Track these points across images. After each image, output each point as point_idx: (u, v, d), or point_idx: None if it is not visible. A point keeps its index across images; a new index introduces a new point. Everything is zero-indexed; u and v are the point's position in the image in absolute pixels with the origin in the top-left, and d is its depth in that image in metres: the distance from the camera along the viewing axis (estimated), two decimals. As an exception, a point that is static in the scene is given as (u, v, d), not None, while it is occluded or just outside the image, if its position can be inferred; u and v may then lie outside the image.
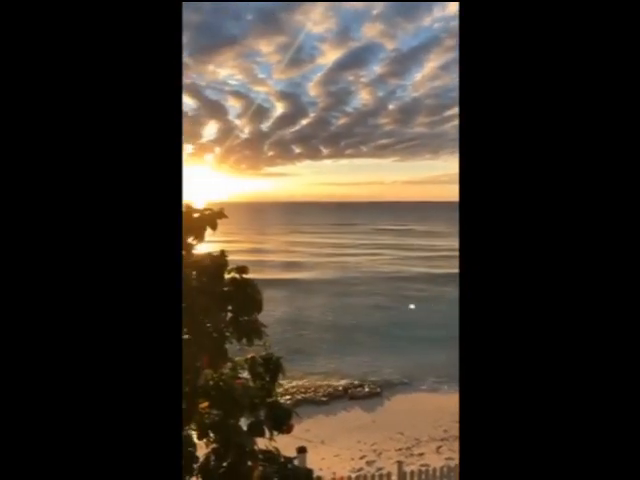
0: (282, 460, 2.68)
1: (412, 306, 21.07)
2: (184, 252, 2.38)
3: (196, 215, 2.42)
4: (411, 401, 11.22)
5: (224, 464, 2.62)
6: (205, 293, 2.31)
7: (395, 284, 27.16)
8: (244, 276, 2.47)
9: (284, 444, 3.13)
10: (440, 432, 9.44)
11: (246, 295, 2.42)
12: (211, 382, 2.68)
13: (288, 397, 11.11)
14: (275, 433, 2.96)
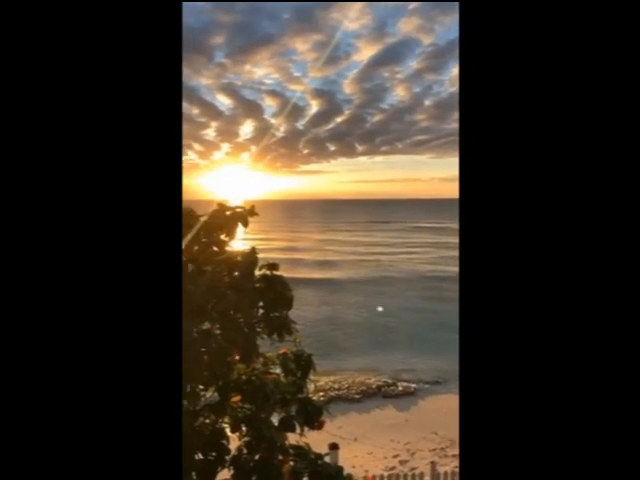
0: (312, 456, 2.71)
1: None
2: (216, 248, 2.44)
3: (228, 213, 2.47)
4: (445, 401, 11.05)
5: (256, 457, 2.66)
6: (236, 289, 2.36)
7: (431, 284, 26.71)
8: (275, 273, 2.50)
9: (317, 440, 3.16)
10: (476, 434, 9.26)
11: (276, 292, 2.45)
12: (243, 377, 2.73)
13: (321, 394, 11.17)
14: (306, 429, 2.99)
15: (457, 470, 6.52)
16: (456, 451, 8.67)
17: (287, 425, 2.93)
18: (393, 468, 7.99)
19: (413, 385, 11.94)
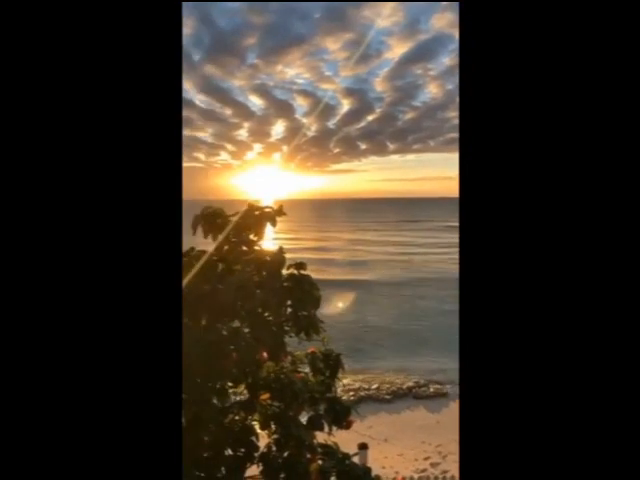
0: (340, 456, 2.71)
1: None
2: (245, 248, 2.48)
3: (257, 213, 2.50)
4: (479, 404, 10.82)
5: (284, 455, 2.69)
6: (265, 288, 2.38)
7: (463, 283, 26.17)
8: (302, 272, 2.52)
9: (346, 439, 3.16)
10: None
11: (304, 291, 2.47)
12: (272, 375, 2.76)
13: (352, 393, 11.14)
14: (334, 428, 2.99)
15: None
16: (489, 455, 8.50)
17: (315, 424, 2.95)
18: (424, 470, 7.89)
19: (448, 386, 11.75)
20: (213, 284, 2.37)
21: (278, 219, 2.56)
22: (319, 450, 2.76)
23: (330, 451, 2.75)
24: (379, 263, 34.81)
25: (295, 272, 2.51)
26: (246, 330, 2.36)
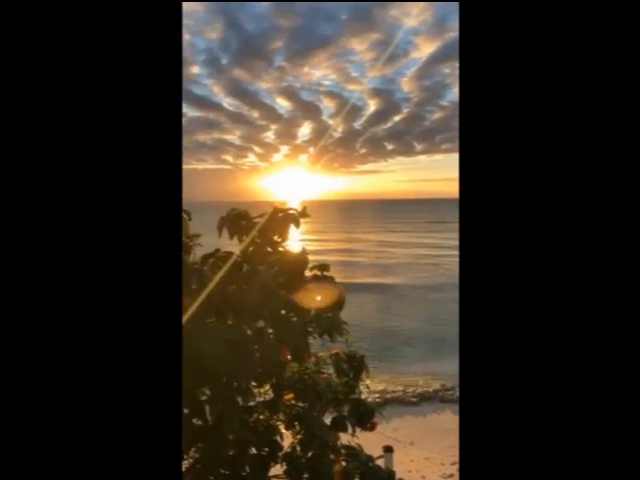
0: (364, 458, 2.70)
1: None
2: (270, 249, 2.51)
3: (280, 214, 2.53)
4: (508, 409, 10.58)
5: (308, 455, 2.70)
6: (288, 289, 2.41)
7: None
8: (325, 274, 2.53)
9: (372, 441, 3.15)
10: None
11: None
12: (296, 375, 2.78)
13: (377, 395, 11.08)
14: (358, 430, 2.99)
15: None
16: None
17: (339, 425, 2.96)
18: (451, 475, 7.77)
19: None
20: (239, 284, 2.41)
21: (305, 221, 2.58)
22: (343, 451, 2.76)
23: (354, 453, 2.75)
24: (407, 266, 34.47)
25: (318, 273, 2.52)
26: (270, 331, 2.39)
